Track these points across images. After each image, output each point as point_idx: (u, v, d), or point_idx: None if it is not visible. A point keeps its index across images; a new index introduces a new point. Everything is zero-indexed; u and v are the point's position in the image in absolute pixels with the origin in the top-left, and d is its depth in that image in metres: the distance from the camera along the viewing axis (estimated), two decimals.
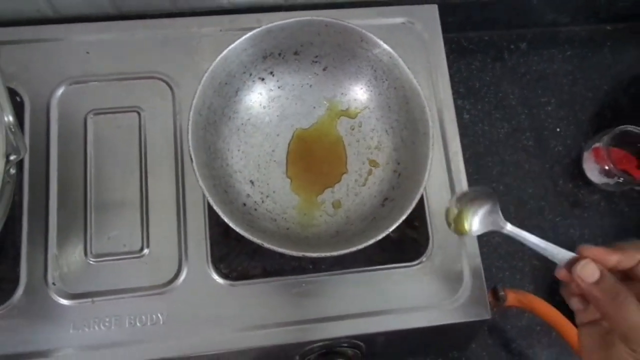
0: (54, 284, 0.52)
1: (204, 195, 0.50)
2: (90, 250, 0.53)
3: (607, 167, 0.67)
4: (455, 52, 0.76)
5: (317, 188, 0.55)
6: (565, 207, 0.71)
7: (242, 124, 0.56)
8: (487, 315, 0.54)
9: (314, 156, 0.57)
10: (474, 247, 0.56)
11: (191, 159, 0.48)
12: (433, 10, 0.64)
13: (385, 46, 0.53)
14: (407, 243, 0.55)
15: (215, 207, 0.46)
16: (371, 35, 0.53)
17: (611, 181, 0.69)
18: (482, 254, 0.56)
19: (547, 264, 0.70)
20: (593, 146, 0.70)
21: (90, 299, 0.52)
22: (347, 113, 0.58)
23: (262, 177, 0.55)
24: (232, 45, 0.51)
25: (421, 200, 0.55)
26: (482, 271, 0.55)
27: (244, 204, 0.53)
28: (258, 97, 0.57)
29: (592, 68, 0.77)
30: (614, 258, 0.41)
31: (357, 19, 0.55)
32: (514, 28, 0.77)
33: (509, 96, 0.75)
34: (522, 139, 0.74)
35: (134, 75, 0.59)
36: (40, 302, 0.51)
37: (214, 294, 0.53)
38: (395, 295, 0.54)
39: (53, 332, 0.50)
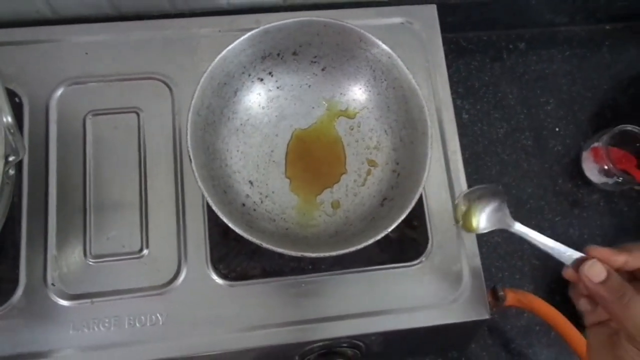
0: (53, 284, 0.52)
1: (203, 196, 0.50)
2: (90, 251, 0.53)
3: (606, 167, 0.68)
4: (454, 52, 0.76)
5: (316, 188, 0.55)
6: (564, 207, 0.71)
7: (241, 124, 0.56)
8: (486, 315, 0.54)
9: (313, 156, 0.57)
10: (473, 247, 0.56)
11: (190, 159, 0.48)
12: (432, 10, 0.64)
13: (384, 46, 0.53)
14: (407, 243, 0.56)
15: (214, 208, 0.46)
16: (370, 36, 0.53)
17: (610, 181, 0.69)
18: (481, 253, 0.56)
19: (547, 264, 0.70)
20: (592, 146, 0.70)
21: (89, 300, 0.52)
22: (346, 113, 0.58)
23: (261, 178, 0.55)
24: (231, 46, 0.51)
25: (420, 200, 0.55)
26: (482, 271, 0.55)
27: (243, 205, 0.53)
28: (257, 98, 0.57)
29: (591, 68, 0.77)
30: (621, 259, 0.41)
31: (355, 19, 0.55)
32: (513, 28, 0.77)
33: (507, 96, 0.75)
34: (521, 139, 0.74)
35: (132, 76, 0.59)
36: (39, 303, 0.51)
37: (213, 294, 0.53)
38: (394, 295, 0.54)
39: (52, 332, 0.50)
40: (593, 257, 0.42)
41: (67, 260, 0.53)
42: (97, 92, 0.58)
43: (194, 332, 0.51)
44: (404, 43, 0.62)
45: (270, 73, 0.56)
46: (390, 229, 0.47)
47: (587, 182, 0.71)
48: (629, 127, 0.67)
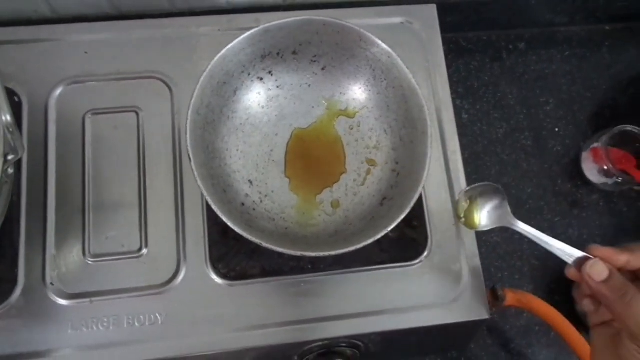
0: (52, 284, 0.52)
1: (202, 195, 0.50)
2: (89, 251, 0.53)
3: (605, 167, 0.68)
4: (454, 52, 0.76)
5: (316, 188, 0.55)
6: (564, 207, 0.71)
7: (241, 123, 0.56)
8: (486, 315, 0.54)
9: (312, 156, 0.56)
10: (473, 247, 0.56)
11: (189, 158, 0.48)
12: (432, 10, 0.64)
13: (384, 46, 0.53)
14: (406, 242, 0.55)
15: (213, 207, 0.46)
16: (370, 35, 0.53)
17: (610, 181, 0.69)
18: (481, 253, 0.56)
19: (546, 264, 0.70)
20: (592, 146, 0.70)
21: (88, 299, 0.52)
22: (345, 113, 0.58)
23: (260, 177, 0.55)
24: (231, 45, 0.51)
25: (420, 200, 0.55)
26: (481, 271, 0.55)
27: (243, 204, 0.53)
28: (257, 97, 0.57)
29: (591, 68, 0.77)
30: (623, 258, 0.41)
31: (355, 19, 0.56)
32: (513, 28, 0.77)
33: (507, 96, 0.75)
34: (520, 139, 0.74)
35: (132, 75, 0.59)
36: (38, 303, 0.51)
37: (212, 293, 0.53)
38: (394, 295, 0.54)
39: (51, 332, 0.50)
40: (595, 257, 0.42)
41: (66, 259, 0.53)
42: (96, 91, 0.58)
43: (193, 332, 0.51)
44: (403, 43, 0.61)
45: (270, 72, 0.56)
46: (389, 229, 0.47)
47: (587, 182, 0.71)
48: (629, 128, 0.67)
